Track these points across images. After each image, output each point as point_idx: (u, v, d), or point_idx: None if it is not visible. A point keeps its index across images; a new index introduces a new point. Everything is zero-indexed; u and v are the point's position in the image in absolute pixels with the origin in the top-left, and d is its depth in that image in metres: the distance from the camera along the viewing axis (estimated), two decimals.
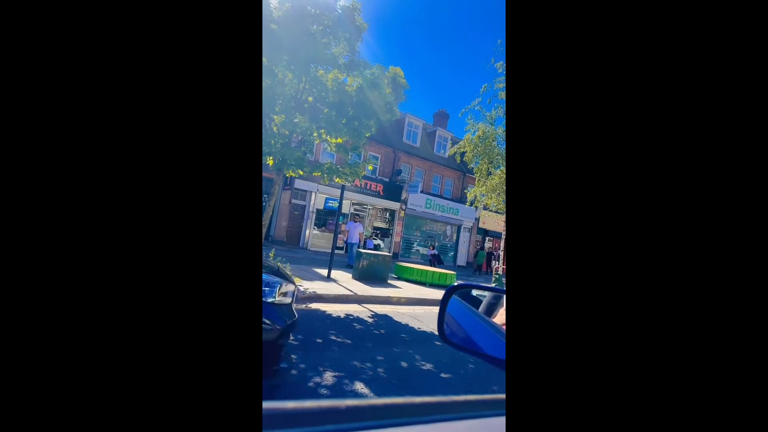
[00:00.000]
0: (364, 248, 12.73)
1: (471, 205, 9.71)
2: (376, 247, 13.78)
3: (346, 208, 13.54)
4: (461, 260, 17.07)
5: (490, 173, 8.69)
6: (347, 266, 8.03)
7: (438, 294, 6.12)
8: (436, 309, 5.59)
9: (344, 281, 5.92)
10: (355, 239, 8.57)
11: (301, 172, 5.41)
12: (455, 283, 0.94)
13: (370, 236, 14.34)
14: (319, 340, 2.99)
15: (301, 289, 4.68)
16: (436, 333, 3.55)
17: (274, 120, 5.12)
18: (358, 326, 3.67)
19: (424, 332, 3.82)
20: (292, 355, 2.50)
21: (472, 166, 9.35)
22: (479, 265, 14.76)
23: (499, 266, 10.46)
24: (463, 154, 9.12)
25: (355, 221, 9.06)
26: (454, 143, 17.92)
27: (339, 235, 10.30)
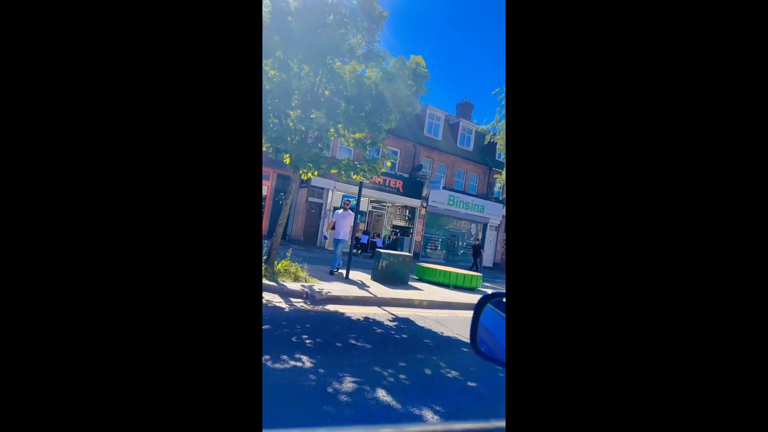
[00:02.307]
0: (373, 248, 12.64)
1: (499, 197, 9.51)
2: (394, 245, 13.71)
3: (364, 206, 13.61)
4: (488, 261, 16.80)
5: None
6: (329, 272, 6.25)
7: (463, 297, 6.05)
8: (461, 313, 5.52)
9: (363, 282, 5.96)
10: (343, 234, 6.32)
11: (317, 173, 5.47)
12: (490, 291, 0.93)
13: (389, 234, 14.33)
14: (338, 344, 3.03)
15: (319, 290, 4.75)
16: (462, 339, 3.52)
17: (290, 116, 5.20)
18: (379, 330, 3.68)
19: (449, 338, 3.78)
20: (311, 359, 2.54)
21: (501, 153, 9.16)
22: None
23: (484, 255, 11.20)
24: (492, 140, 8.90)
25: (344, 209, 6.49)
26: (478, 135, 17.59)
27: (326, 230, 8.63)
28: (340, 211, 6.61)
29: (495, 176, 13.50)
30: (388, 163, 6.48)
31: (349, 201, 6.73)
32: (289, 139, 4.97)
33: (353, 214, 6.55)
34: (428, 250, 15.75)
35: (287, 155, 5.11)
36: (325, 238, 6.86)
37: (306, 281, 5.23)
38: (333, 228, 6.51)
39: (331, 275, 6.18)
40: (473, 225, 16.85)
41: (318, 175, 5.99)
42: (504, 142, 8.50)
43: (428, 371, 2.73)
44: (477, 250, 14.05)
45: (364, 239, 13.31)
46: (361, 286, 5.66)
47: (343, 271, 6.26)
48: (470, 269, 11.98)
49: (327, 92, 5.36)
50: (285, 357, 2.53)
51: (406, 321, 4.26)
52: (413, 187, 14.63)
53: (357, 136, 5.60)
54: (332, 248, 6.45)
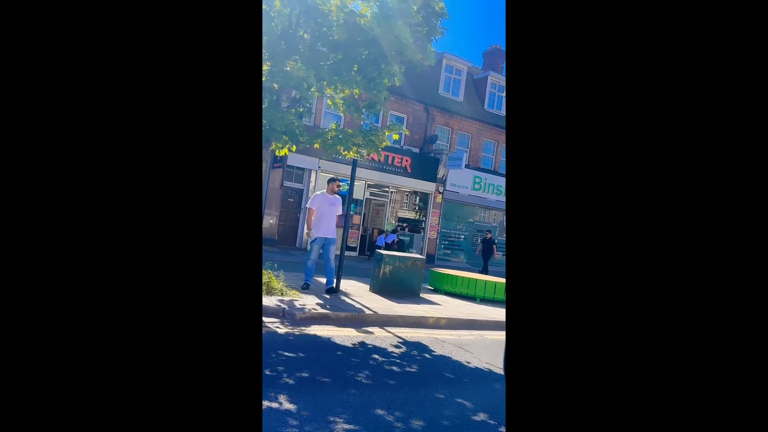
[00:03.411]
0: (380, 247, 12.63)
1: None
2: (401, 246, 13.71)
3: (359, 191, 13.62)
4: None
5: None
6: (303, 286, 5.69)
7: (494, 313, 6.08)
8: (491, 335, 5.55)
9: (359, 295, 5.99)
10: (328, 231, 5.66)
11: (294, 148, 5.41)
12: None
13: (395, 230, 14.35)
14: (325, 379, 3.04)
15: (300, 306, 4.76)
16: (494, 369, 3.51)
17: None
18: (381, 359, 3.70)
19: (476, 369, 3.82)
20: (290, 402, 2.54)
21: None
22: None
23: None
24: None
25: (331, 191, 5.79)
26: None
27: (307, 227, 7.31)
28: (322, 193, 5.80)
29: None
30: (395, 136, 6.23)
31: (339, 182, 5.93)
32: None
33: (340, 200, 5.86)
34: (446, 251, 15.79)
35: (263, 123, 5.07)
36: (311, 243, 5.82)
37: (282, 294, 5.25)
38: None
39: (306, 290, 5.67)
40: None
41: (296, 151, 5.95)
42: None
43: (449, 413, 2.74)
44: (488, 245, 13.33)
45: (389, 239, 13.16)
46: (356, 301, 5.67)
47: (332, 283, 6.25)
48: (481, 272, 11.67)
49: (306, 35, 5.30)
50: None
51: (417, 346, 4.28)
52: (425, 165, 14.61)
53: (346, 93, 5.54)
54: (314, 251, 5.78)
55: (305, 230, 5.92)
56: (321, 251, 5.76)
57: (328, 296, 5.58)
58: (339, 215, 5.84)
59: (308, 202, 5.90)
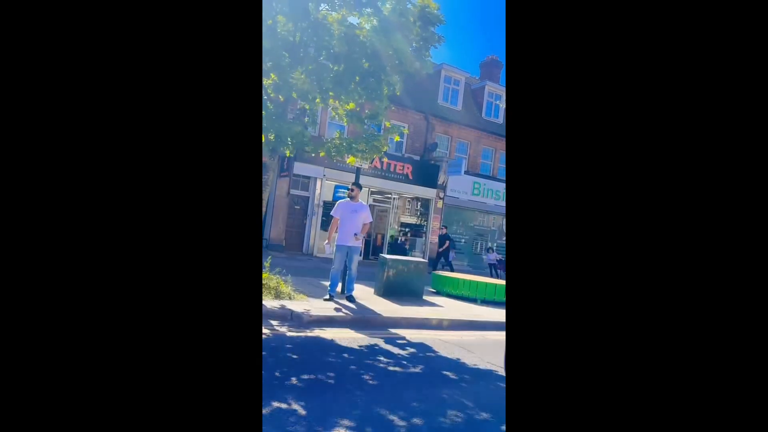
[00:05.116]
0: (393, 254, 12.70)
1: None
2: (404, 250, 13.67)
3: (363, 198, 13.63)
4: None
5: None
6: (325, 298, 5.36)
7: (495, 314, 6.04)
8: (492, 335, 5.50)
9: (364, 298, 5.95)
10: (351, 240, 5.43)
11: (308, 148, 5.35)
12: None
13: (395, 235, 14.31)
14: (332, 381, 3.02)
15: (306, 310, 4.74)
16: (495, 369, 3.47)
17: (263, 82, 5.17)
18: (385, 360, 3.67)
19: (477, 368, 3.78)
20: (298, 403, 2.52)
21: None
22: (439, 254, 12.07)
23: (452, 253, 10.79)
24: None
25: (350, 197, 5.65)
26: None
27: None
28: (345, 201, 5.65)
29: None
30: (396, 138, 6.10)
31: (358, 188, 5.69)
32: (263, 114, 4.94)
33: (366, 207, 5.74)
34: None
35: (271, 134, 5.09)
36: (335, 252, 5.56)
37: (290, 298, 5.22)
38: (336, 231, 5.47)
39: (330, 300, 5.34)
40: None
41: (303, 160, 5.95)
42: None
43: (452, 413, 2.71)
44: (442, 241, 12.21)
45: (490, 259, 13.04)
46: (361, 304, 5.65)
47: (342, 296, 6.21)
48: (437, 268, 10.64)
49: (310, 48, 5.33)
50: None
51: (421, 347, 4.25)
52: (426, 172, 14.60)
53: (350, 106, 5.56)
54: (325, 256, 5.69)
55: (327, 240, 5.74)
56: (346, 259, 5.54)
57: (348, 303, 5.40)
58: (366, 223, 5.60)
59: (332, 210, 5.74)
